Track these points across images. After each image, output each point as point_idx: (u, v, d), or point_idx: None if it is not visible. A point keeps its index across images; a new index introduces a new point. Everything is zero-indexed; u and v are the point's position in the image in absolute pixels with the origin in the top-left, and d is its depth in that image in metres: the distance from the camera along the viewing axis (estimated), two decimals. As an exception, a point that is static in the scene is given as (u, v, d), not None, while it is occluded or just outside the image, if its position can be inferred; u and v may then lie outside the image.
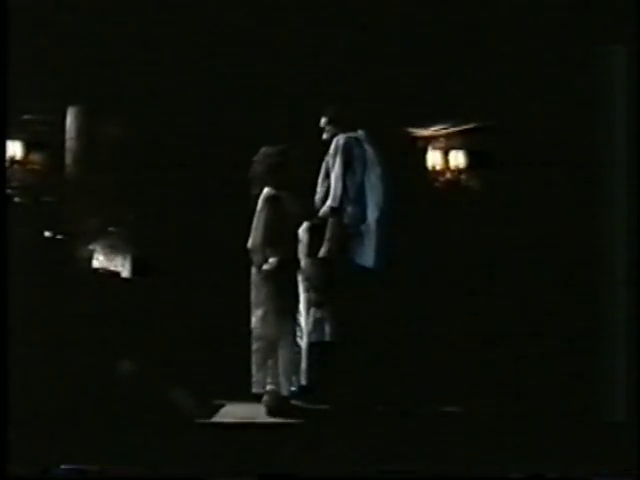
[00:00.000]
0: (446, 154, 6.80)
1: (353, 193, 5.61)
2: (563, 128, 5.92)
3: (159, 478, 4.73)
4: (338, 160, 5.62)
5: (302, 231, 5.71)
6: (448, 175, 6.81)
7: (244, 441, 5.05)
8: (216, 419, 5.55)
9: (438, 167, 6.83)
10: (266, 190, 5.73)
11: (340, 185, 5.60)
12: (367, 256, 5.58)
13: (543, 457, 4.87)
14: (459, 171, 6.78)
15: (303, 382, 5.61)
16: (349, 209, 5.59)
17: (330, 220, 5.59)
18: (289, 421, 5.43)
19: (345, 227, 5.59)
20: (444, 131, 6.75)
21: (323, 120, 5.79)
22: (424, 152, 6.82)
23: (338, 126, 5.74)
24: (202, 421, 5.41)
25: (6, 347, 5.15)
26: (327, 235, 5.58)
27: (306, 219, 5.69)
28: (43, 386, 5.26)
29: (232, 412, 5.70)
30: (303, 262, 5.68)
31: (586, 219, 5.74)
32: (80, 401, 5.20)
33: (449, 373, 5.71)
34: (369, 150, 5.67)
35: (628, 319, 5.43)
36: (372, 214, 5.59)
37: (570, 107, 5.87)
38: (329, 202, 5.61)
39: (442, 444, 4.96)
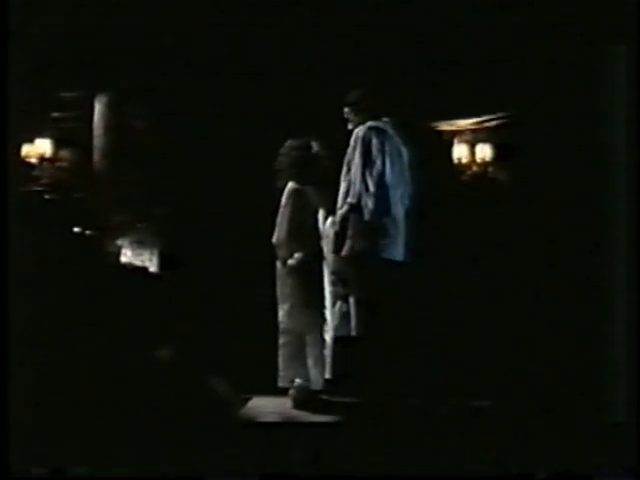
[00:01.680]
0: (472, 147, 6.76)
1: (375, 186, 5.50)
2: (570, 127, 5.91)
3: (159, 478, 4.75)
4: (357, 154, 5.46)
5: (328, 226, 5.69)
6: (475, 168, 6.78)
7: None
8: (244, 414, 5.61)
9: (464, 160, 6.79)
10: (290, 184, 5.74)
11: (359, 180, 5.44)
12: (394, 249, 5.49)
13: (543, 457, 4.84)
14: (485, 164, 6.74)
15: (328, 376, 5.61)
16: (371, 202, 5.44)
17: (352, 216, 5.47)
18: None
19: (369, 221, 5.50)
20: (470, 125, 6.72)
21: (346, 109, 5.63)
22: (450, 145, 6.79)
23: (361, 114, 5.57)
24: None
25: (36, 342, 5.23)
26: (349, 233, 5.48)
27: (331, 214, 5.65)
28: (68, 382, 5.31)
29: (259, 405, 5.73)
30: (329, 257, 5.66)
31: (597, 215, 5.73)
32: (101, 397, 5.24)
33: (469, 369, 5.71)
34: (394, 139, 5.52)
35: (628, 319, 5.38)
36: (398, 207, 5.48)
37: (574, 106, 5.86)
38: (348, 199, 5.47)
39: (447, 441, 4.95)
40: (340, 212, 5.50)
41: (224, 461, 4.77)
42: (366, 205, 5.44)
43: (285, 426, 5.37)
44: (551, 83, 6.02)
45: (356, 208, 5.45)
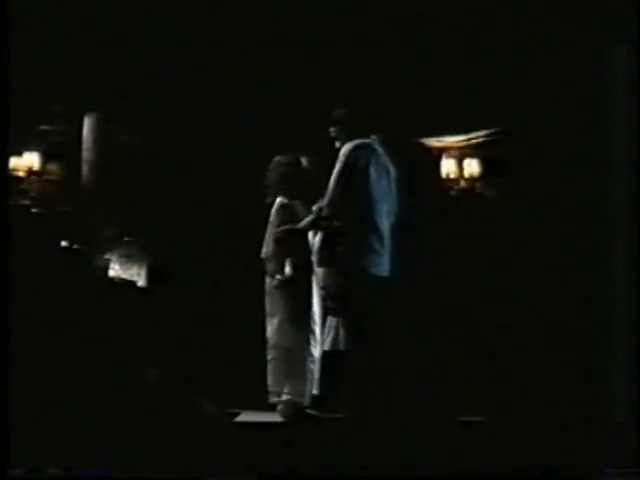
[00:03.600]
0: (460, 162, 6.78)
1: (360, 201, 5.47)
2: (568, 132, 5.94)
3: (159, 478, 4.75)
4: (336, 168, 5.50)
5: (316, 240, 5.70)
6: (462, 183, 6.79)
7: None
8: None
9: (452, 175, 6.81)
10: (279, 199, 5.75)
11: (329, 193, 5.48)
12: (381, 264, 5.50)
13: (543, 457, 4.86)
14: (473, 179, 6.76)
15: (316, 391, 5.60)
16: (354, 217, 5.47)
17: (336, 232, 5.52)
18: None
19: (357, 236, 5.52)
20: (458, 142, 6.74)
21: (332, 128, 5.64)
22: (438, 160, 6.81)
23: (347, 131, 5.59)
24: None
25: (24, 356, 5.22)
26: (336, 248, 5.54)
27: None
28: (59, 394, 5.30)
29: (247, 421, 5.72)
30: (318, 271, 5.67)
31: (592, 222, 5.77)
32: (94, 408, 5.24)
33: (460, 381, 5.73)
34: (382, 156, 5.52)
35: (628, 319, 5.43)
36: (385, 222, 5.50)
37: (573, 108, 5.89)
38: (314, 206, 5.53)
39: (446, 442, 4.97)
40: (307, 220, 5.56)
41: (224, 461, 4.78)
42: (337, 215, 5.49)
43: (284, 426, 5.36)
44: (550, 85, 6.06)
45: (319, 218, 5.52)
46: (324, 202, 5.51)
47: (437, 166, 6.79)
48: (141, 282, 6.35)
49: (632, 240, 5.53)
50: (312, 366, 5.63)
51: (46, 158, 6.75)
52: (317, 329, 5.66)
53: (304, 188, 5.69)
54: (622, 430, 5.13)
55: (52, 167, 6.78)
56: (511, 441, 4.97)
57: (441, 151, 6.80)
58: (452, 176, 6.80)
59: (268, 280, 5.74)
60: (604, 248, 5.79)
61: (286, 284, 5.66)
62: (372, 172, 5.51)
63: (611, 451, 4.85)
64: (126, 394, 5.37)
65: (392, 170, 5.54)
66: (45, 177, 6.76)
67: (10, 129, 5.22)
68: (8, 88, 5.16)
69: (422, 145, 6.68)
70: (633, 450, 4.89)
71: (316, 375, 5.59)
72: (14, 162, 6.61)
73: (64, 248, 6.29)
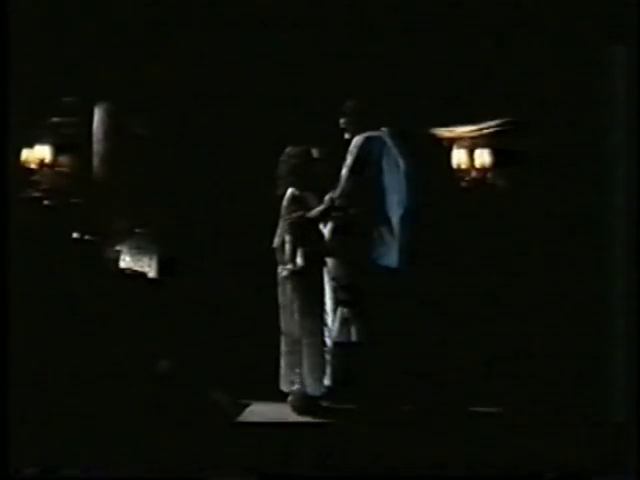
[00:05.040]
0: (471, 153, 6.76)
1: (371, 192, 5.51)
2: (570, 127, 5.94)
3: (159, 478, 4.77)
4: (348, 159, 5.55)
5: (327, 231, 5.72)
6: (474, 174, 6.78)
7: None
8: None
9: (463, 166, 6.79)
10: (290, 190, 5.76)
11: (341, 184, 5.54)
12: (391, 256, 5.53)
13: (543, 457, 4.86)
14: (485, 170, 6.74)
15: (328, 382, 5.61)
16: (366, 208, 5.50)
17: (347, 222, 5.57)
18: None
19: (368, 227, 5.54)
20: (469, 132, 6.72)
21: (342, 120, 5.70)
22: (449, 151, 6.80)
23: (357, 123, 5.64)
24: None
25: (34, 347, 5.25)
26: (345, 237, 5.55)
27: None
28: (69, 384, 5.32)
29: (258, 411, 5.72)
30: (330, 262, 5.69)
31: (598, 217, 5.77)
32: (102, 399, 5.25)
33: (469, 373, 5.73)
34: (392, 148, 5.56)
35: (628, 319, 5.41)
36: (395, 213, 5.53)
37: (574, 106, 5.89)
38: (326, 196, 5.58)
39: (449, 444, 4.97)
40: (318, 209, 5.60)
41: (224, 461, 4.79)
42: (353, 208, 5.54)
43: (285, 426, 5.37)
44: (550, 85, 6.05)
45: (331, 209, 5.58)
46: (336, 193, 5.54)
47: (448, 156, 6.78)
48: (152, 274, 6.37)
49: (628, 232, 5.53)
50: (324, 357, 5.64)
51: (57, 150, 6.77)
52: (329, 320, 5.68)
53: (315, 179, 5.71)
54: (622, 430, 5.13)
55: (63, 159, 6.79)
56: (511, 442, 4.98)
57: (452, 141, 6.78)
58: (463, 167, 6.78)
59: (280, 271, 5.75)
60: (612, 241, 5.77)
61: (297, 275, 5.66)
62: (383, 164, 5.55)
63: (611, 451, 4.87)
64: (133, 388, 5.39)
65: (402, 162, 5.56)
66: (57, 169, 6.77)
67: (16, 122, 5.24)
68: (18, 80, 5.18)
69: (433, 135, 6.68)
70: (633, 450, 4.91)
71: (328, 366, 5.62)
72: (26, 154, 6.63)
73: (75, 240, 6.31)
